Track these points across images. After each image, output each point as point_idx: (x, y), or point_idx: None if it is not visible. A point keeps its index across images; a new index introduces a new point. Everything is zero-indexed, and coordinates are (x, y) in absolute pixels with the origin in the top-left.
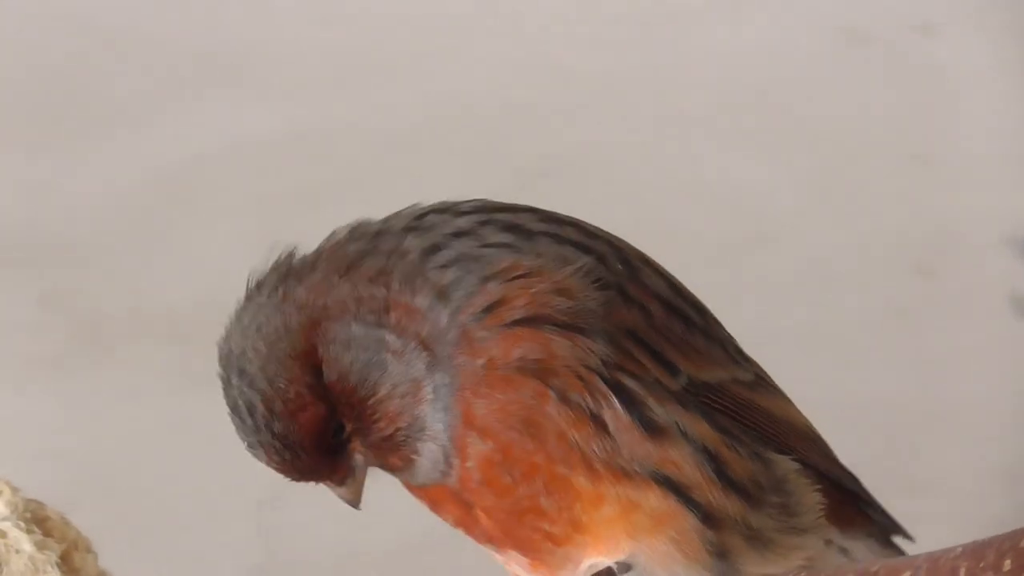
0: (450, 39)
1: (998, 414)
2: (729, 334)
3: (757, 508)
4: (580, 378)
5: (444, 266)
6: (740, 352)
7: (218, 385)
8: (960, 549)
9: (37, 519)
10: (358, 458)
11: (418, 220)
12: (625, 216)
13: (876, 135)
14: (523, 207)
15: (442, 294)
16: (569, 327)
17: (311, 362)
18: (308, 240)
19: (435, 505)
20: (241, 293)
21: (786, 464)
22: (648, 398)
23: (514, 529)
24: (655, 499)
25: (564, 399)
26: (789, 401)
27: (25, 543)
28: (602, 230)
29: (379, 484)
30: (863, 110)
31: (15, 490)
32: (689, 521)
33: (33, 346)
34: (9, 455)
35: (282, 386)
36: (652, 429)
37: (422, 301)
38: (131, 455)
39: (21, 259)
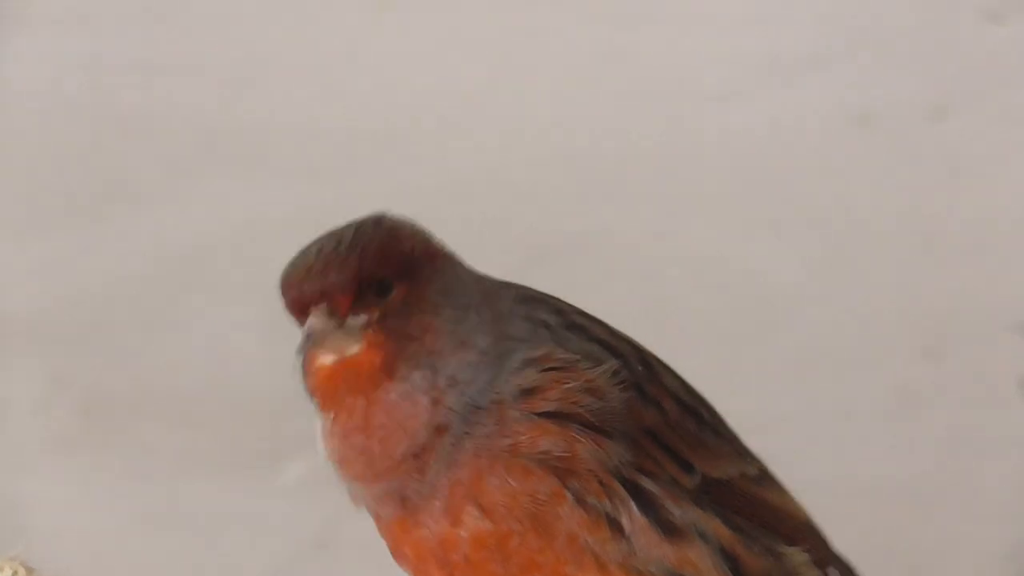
0: (457, 120)
1: (1004, 498)
2: (733, 431)
3: None
4: (600, 482)
5: (520, 319)
6: (744, 447)
7: (224, 468)
8: None
9: None
10: (363, 318)
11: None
12: (630, 297)
13: (886, 217)
14: (556, 298)
15: (510, 342)
16: (595, 429)
17: (423, 254)
18: None
19: (420, 564)
20: (250, 376)
21: (797, 556)
22: (665, 499)
23: None
24: None
25: (581, 501)
26: (790, 494)
27: None
28: (623, 332)
29: (383, 564)
30: (873, 192)
31: (31, 570)
32: None
33: (42, 427)
34: (17, 535)
35: (397, 227)
36: (669, 531)
37: (506, 333)
38: (136, 535)
39: (30, 340)
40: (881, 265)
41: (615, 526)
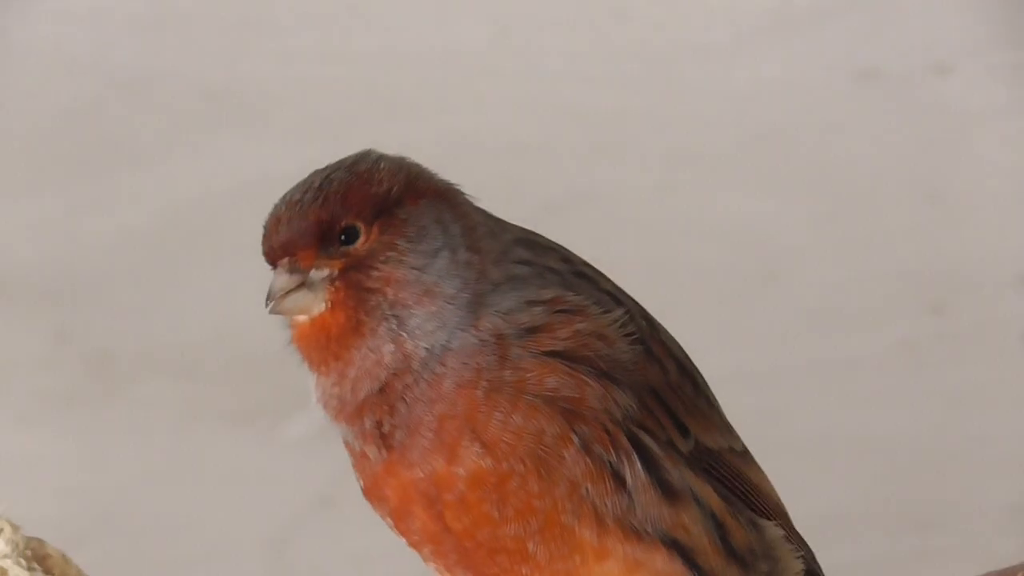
0: (463, 77)
1: (1008, 451)
2: (719, 405)
3: (750, 575)
4: (607, 431)
5: (516, 262)
6: (729, 423)
7: (230, 423)
8: None
9: (38, 557)
10: (325, 272)
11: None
12: (636, 253)
13: (889, 173)
14: (565, 248)
15: (499, 284)
16: (604, 375)
17: (403, 194)
18: None
19: (402, 506)
20: (254, 332)
21: (773, 530)
22: (664, 459)
23: (479, 563)
24: (661, 561)
25: (587, 448)
26: (766, 475)
27: None
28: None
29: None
30: (876, 148)
31: (16, 528)
32: None
33: (45, 382)
34: (21, 489)
35: (372, 168)
36: (668, 492)
37: (492, 274)
38: (141, 491)
39: (34, 296)
40: (884, 220)
41: (618, 480)
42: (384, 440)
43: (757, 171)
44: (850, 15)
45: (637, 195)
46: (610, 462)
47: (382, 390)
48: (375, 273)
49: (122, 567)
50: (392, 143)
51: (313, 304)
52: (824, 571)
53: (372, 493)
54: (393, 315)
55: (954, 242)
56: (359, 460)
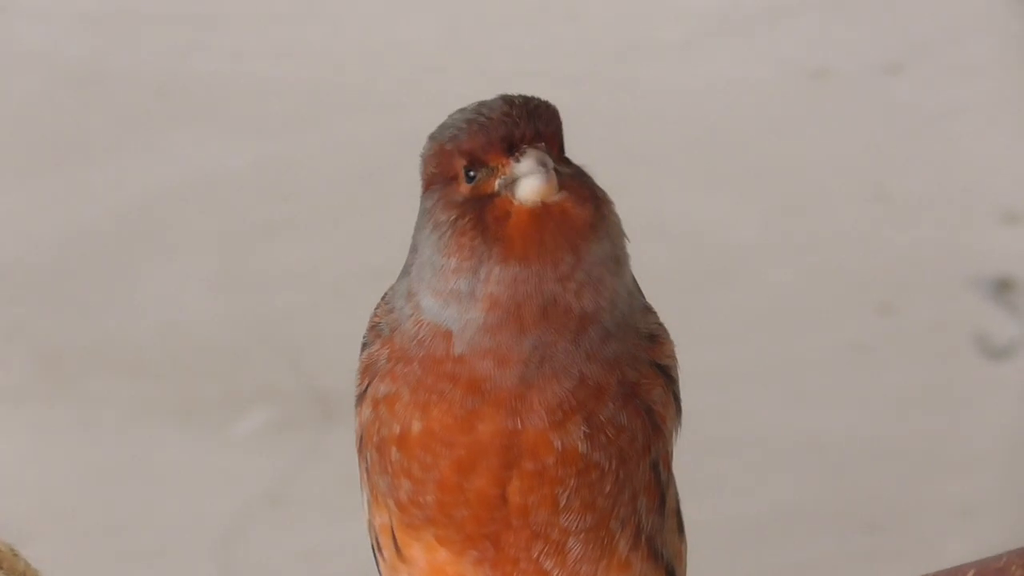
0: (413, 75)
1: (957, 453)
2: None
3: None
4: (668, 453)
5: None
6: None
7: (179, 420)
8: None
9: None
10: (568, 170)
11: None
12: None
13: (839, 173)
14: None
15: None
16: (677, 400)
17: None
18: (271, 276)
19: (471, 458)
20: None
21: None
22: (676, 491)
23: (510, 545)
24: None
25: (654, 465)
26: None
27: None
28: None
29: (337, 518)
30: (826, 148)
31: None
32: None
33: None
34: None
35: None
36: (679, 523)
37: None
38: (90, 488)
39: None
40: (835, 220)
41: (661, 501)
42: (526, 365)
43: (707, 171)
44: (802, 14)
45: None
46: (663, 483)
47: (588, 317)
48: (596, 187)
49: (70, 564)
50: (343, 140)
51: (554, 192)
52: (772, 570)
53: (436, 437)
54: (608, 236)
55: (906, 242)
56: (434, 396)
